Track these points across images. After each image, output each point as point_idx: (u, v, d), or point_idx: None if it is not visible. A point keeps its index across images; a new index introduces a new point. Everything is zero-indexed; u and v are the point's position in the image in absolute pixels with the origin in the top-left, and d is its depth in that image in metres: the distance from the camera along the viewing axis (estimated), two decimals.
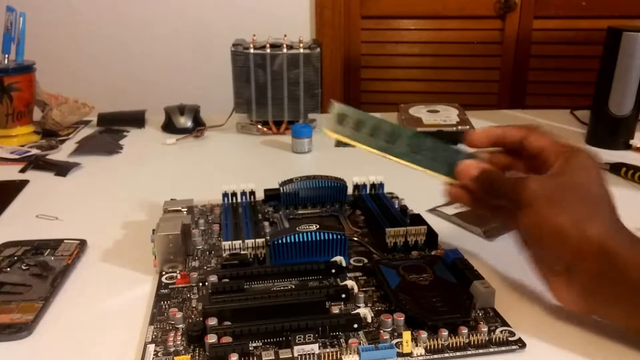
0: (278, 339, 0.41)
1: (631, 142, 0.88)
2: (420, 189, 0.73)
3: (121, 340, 0.43)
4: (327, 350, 0.40)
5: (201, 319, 0.42)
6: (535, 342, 0.42)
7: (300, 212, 0.63)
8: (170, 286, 0.49)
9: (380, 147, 0.50)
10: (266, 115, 0.96)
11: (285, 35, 0.96)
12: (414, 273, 0.48)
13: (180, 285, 0.49)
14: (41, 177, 0.78)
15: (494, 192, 0.46)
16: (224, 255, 0.52)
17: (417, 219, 0.57)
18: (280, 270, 0.50)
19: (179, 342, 0.41)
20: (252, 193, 0.64)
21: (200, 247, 0.56)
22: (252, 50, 0.93)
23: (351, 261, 0.53)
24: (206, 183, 0.75)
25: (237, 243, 0.52)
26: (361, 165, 0.83)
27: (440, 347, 0.40)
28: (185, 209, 0.59)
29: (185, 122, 0.99)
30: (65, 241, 0.57)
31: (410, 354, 0.40)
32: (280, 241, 0.51)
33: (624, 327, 0.41)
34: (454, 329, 0.41)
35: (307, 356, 0.39)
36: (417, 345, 0.40)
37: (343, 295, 0.46)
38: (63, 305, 0.48)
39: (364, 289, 0.48)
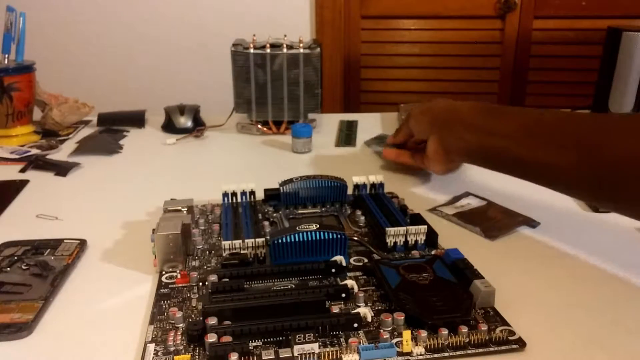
0: (278, 338, 0.41)
1: None
2: (420, 189, 0.73)
3: (121, 340, 0.43)
4: (327, 349, 0.40)
5: (201, 318, 0.42)
6: (535, 341, 0.42)
7: (300, 211, 0.63)
8: (170, 286, 0.49)
9: None
10: (266, 115, 0.96)
11: (285, 35, 0.96)
12: (414, 272, 0.48)
13: (180, 285, 0.49)
14: (41, 177, 0.78)
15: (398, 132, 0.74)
16: (224, 254, 0.52)
17: (417, 219, 0.57)
18: (280, 270, 0.50)
19: (179, 342, 0.41)
20: (252, 193, 0.64)
21: (200, 246, 0.56)
22: (252, 50, 0.93)
23: (351, 260, 0.53)
24: (206, 183, 0.75)
25: (237, 243, 0.52)
26: (361, 165, 0.83)
27: (440, 346, 0.40)
28: (185, 209, 0.59)
29: (185, 122, 0.99)
30: (65, 241, 0.57)
31: (410, 353, 0.40)
32: (280, 241, 0.51)
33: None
34: (454, 328, 0.41)
35: (307, 355, 0.39)
36: (417, 345, 0.40)
37: (343, 295, 0.46)
38: (63, 305, 0.48)
39: (364, 288, 0.48)
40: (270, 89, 0.95)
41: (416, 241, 0.55)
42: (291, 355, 0.39)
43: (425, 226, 0.55)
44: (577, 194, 0.50)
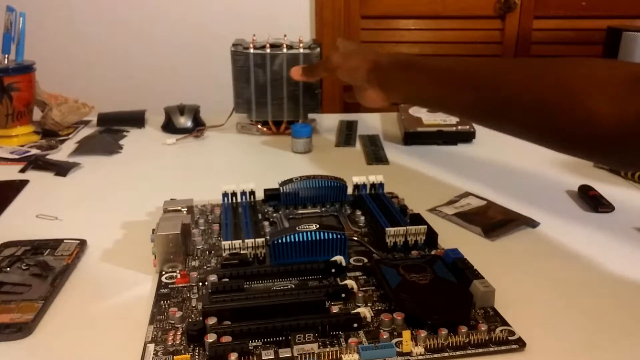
0: (278, 338, 0.41)
1: None
2: (420, 189, 0.73)
3: (121, 340, 0.43)
4: (327, 349, 0.40)
5: (201, 318, 0.42)
6: (535, 341, 0.42)
7: (300, 211, 0.63)
8: (170, 286, 0.49)
9: None
10: (266, 115, 0.96)
11: (285, 35, 0.96)
12: (414, 272, 0.48)
13: (180, 285, 0.49)
14: (41, 177, 0.78)
15: (315, 73, 0.88)
16: (224, 254, 0.52)
17: (417, 219, 0.57)
18: (280, 270, 0.50)
19: (179, 342, 0.41)
20: (252, 193, 0.64)
21: (200, 246, 0.56)
22: (252, 50, 0.93)
23: (351, 261, 0.53)
24: (206, 183, 0.75)
25: (237, 243, 0.52)
26: (361, 165, 0.83)
27: (440, 346, 0.40)
28: (185, 209, 0.59)
29: (185, 122, 0.99)
30: (65, 241, 0.57)
31: (410, 353, 0.40)
32: (280, 241, 0.51)
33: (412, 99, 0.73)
34: (454, 328, 0.41)
35: (307, 355, 0.39)
36: (416, 345, 0.40)
37: (343, 295, 0.46)
38: (63, 305, 0.48)
39: (364, 288, 0.48)
40: (270, 89, 0.95)
41: (416, 241, 0.55)
42: (291, 355, 0.39)
43: (425, 226, 0.55)
44: (483, 124, 0.60)
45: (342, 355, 0.39)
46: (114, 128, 1.01)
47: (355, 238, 0.57)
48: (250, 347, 0.40)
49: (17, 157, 0.85)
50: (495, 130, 0.58)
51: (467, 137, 0.91)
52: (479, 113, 0.59)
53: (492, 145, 0.89)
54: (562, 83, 0.50)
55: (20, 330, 0.43)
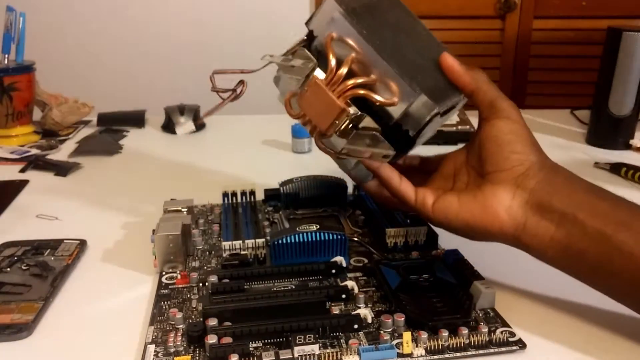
0: (278, 340, 0.41)
1: (631, 142, 0.88)
2: None
3: (121, 341, 0.43)
4: (328, 350, 0.40)
5: (201, 319, 0.42)
6: (536, 342, 0.42)
7: (300, 212, 0.63)
8: (170, 286, 0.49)
9: None
10: None
11: None
12: (414, 273, 0.48)
13: (180, 286, 0.49)
14: (41, 177, 0.78)
15: (481, 94, 0.46)
16: (224, 255, 0.52)
17: (418, 219, 0.57)
18: (280, 271, 0.50)
19: (179, 343, 0.41)
20: (252, 193, 0.64)
21: (200, 247, 0.56)
22: None
23: (351, 261, 0.53)
24: (206, 183, 0.75)
25: (237, 243, 0.52)
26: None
27: (440, 347, 0.40)
28: (185, 209, 0.58)
29: (185, 122, 0.99)
30: (65, 241, 0.57)
31: (410, 355, 0.40)
32: (280, 241, 0.51)
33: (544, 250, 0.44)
34: (454, 330, 0.41)
35: (308, 357, 0.39)
36: (417, 346, 0.40)
37: (343, 296, 0.46)
38: (63, 305, 0.48)
39: (364, 289, 0.48)
40: None
41: (416, 242, 0.55)
42: (291, 356, 0.39)
43: (426, 227, 0.55)
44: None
45: (343, 357, 0.39)
46: (114, 128, 1.01)
47: (356, 239, 0.57)
48: (250, 349, 0.40)
49: (17, 157, 0.85)
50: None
51: (467, 137, 0.90)
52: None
53: None
54: None
55: (20, 330, 0.43)
